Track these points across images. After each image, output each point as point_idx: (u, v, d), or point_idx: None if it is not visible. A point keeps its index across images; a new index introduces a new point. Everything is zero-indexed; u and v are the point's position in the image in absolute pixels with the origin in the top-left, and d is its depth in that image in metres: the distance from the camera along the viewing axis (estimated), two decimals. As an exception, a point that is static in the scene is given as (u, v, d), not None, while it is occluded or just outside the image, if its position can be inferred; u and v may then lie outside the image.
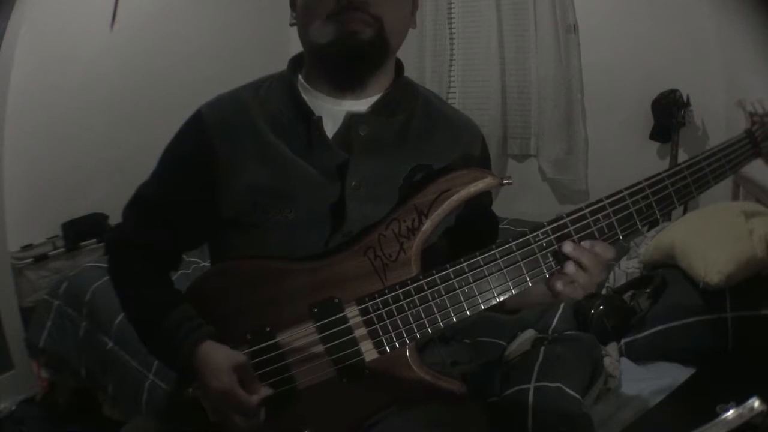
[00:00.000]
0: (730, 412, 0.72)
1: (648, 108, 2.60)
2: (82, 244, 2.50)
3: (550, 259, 0.87)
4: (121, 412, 1.95)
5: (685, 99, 2.49)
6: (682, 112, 2.48)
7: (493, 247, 0.87)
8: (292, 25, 0.95)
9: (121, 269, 1.00)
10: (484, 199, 1.03)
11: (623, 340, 1.54)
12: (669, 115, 2.50)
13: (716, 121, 2.50)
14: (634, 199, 0.88)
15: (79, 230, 2.51)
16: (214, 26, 2.99)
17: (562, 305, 1.76)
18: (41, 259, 2.41)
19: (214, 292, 0.92)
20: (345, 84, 0.91)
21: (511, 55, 3.01)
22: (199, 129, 0.93)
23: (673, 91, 2.51)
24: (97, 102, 2.56)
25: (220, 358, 0.85)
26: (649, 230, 2.10)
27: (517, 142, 3.10)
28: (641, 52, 2.63)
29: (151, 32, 2.73)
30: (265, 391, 0.85)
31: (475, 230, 1.00)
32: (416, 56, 3.12)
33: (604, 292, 1.84)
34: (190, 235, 0.99)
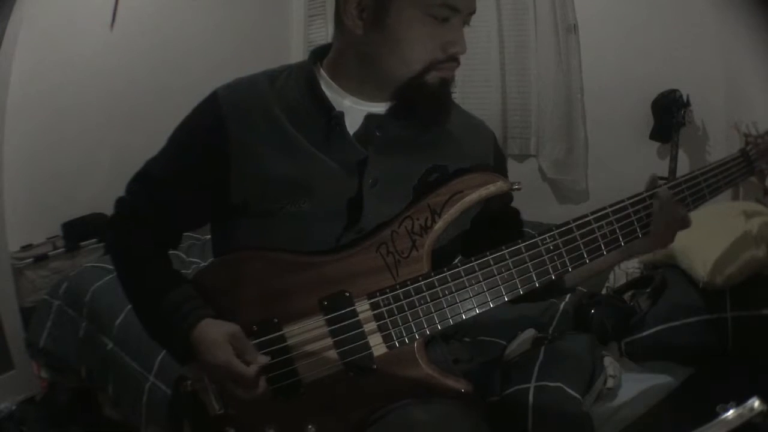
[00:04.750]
0: (730, 412, 0.72)
1: (648, 108, 2.60)
2: (82, 244, 2.51)
3: (557, 261, 0.90)
4: (122, 413, 1.95)
5: (685, 99, 2.49)
6: (682, 112, 2.48)
7: (503, 248, 0.89)
8: (355, 30, 0.88)
9: (122, 244, 0.99)
10: (504, 198, 1.04)
11: (623, 340, 1.54)
12: (669, 115, 2.50)
13: (716, 121, 2.50)
14: (635, 208, 0.94)
15: (79, 230, 2.51)
16: (213, 27, 2.99)
17: (561, 305, 1.76)
18: (41, 259, 2.41)
19: (222, 281, 0.91)
20: (422, 120, 0.93)
21: (511, 55, 3.01)
22: (214, 110, 0.92)
23: (673, 91, 2.51)
24: (97, 102, 2.56)
25: (214, 332, 0.85)
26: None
27: (517, 142, 3.10)
28: (641, 52, 2.63)
29: (151, 32, 2.73)
30: (263, 359, 0.85)
31: (498, 228, 1.02)
32: (416, 56, 3.12)
33: (604, 292, 1.84)
34: (193, 214, 0.98)
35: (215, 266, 0.94)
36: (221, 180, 0.90)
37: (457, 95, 3.24)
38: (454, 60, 0.88)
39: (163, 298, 0.89)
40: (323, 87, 0.93)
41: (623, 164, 2.64)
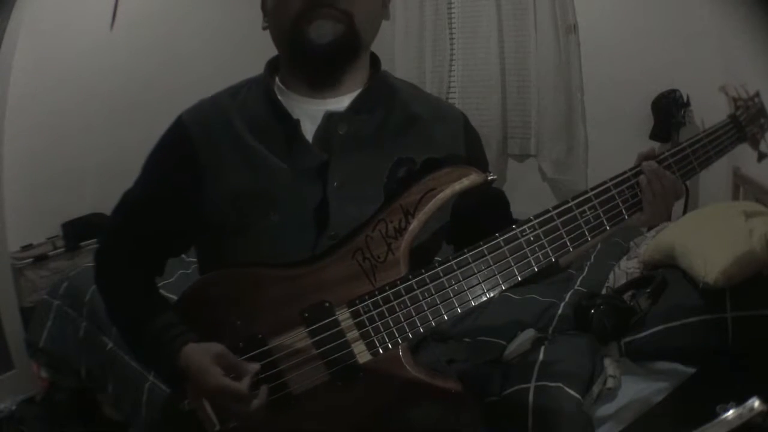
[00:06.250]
0: (730, 412, 0.72)
1: (648, 108, 2.60)
2: (82, 244, 2.51)
3: (538, 252, 0.87)
4: (122, 413, 1.95)
5: (685, 99, 2.49)
6: (682, 112, 2.48)
7: (481, 243, 0.87)
8: (264, 29, 0.94)
9: (107, 276, 1.01)
10: (483, 184, 0.99)
11: (623, 340, 1.54)
12: (669, 115, 2.51)
13: (716, 121, 2.50)
14: (619, 189, 0.90)
15: (79, 230, 2.51)
16: (213, 26, 2.99)
17: (562, 305, 1.76)
18: (41, 259, 2.41)
19: (205, 302, 0.91)
20: (319, 82, 0.91)
21: (511, 55, 3.01)
22: (180, 134, 0.93)
23: (673, 91, 2.51)
24: (97, 102, 2.56)
25: (198, 357, 0.85)
26: (648, 230, 2.10)
27: (517, 142, 3.10)
28: (641, 52, 2.63)
29: (151, 32, 2.73)
30: (253, 368, 0.84)
31: (484, 213, 0.99)
32: (416, 56, 3.11)
33: (604, 292, 1.84)
34: (174, 240, 0.99)
35: (197, 287, 0.93)
36: (196, 202, 0.91)
37: (458, 95, 3.24)
38: (321, 6, 0.83)
39: (145, 328, 0.90)
40: (279, 96, 0.93)
41: (623, 164, 2.62)
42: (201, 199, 0.90)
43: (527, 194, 2.89)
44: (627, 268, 1.92)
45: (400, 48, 3.03)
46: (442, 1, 3.08)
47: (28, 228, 2.42)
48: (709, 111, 2.51)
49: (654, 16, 2.59)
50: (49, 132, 2.44)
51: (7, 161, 2.31)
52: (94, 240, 2.50)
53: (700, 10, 2.45)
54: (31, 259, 2.39)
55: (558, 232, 0.88)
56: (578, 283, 1.90)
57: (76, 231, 2.51)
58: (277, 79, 0.95)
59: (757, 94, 1.00)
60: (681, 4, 2.52)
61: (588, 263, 2.02)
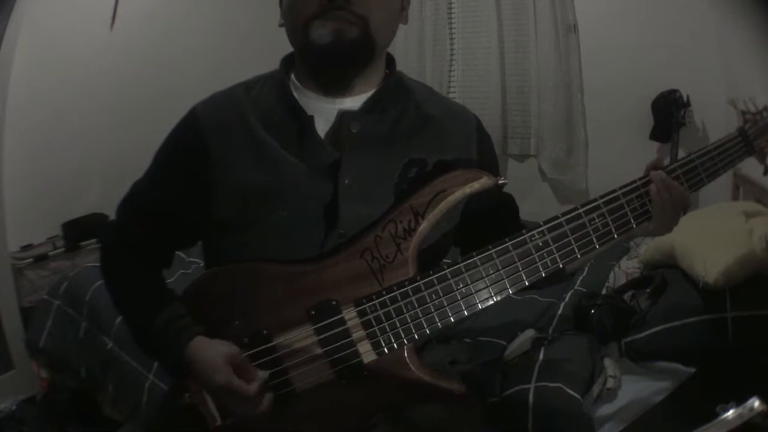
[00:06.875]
0: (730, 412, 0.72)
1: (648, 108, 2.60)
2: (82, 244, 2.51)
3: (546, 258, 0.88)
4: (121, 412, 1.95)
5: (685, 99, 2.49)
6: (682, 112, 2.48)
7: (490, 247, 0.88)
8: (281, 26, 0.94)
9: (113, 267, 1.00)
10: (493, 188, 1.00)
11: (623, 340, 1.54)
12: (669, 115, 2.50)
13: (716, 121, 2.50)
14: (628, 198, 0.91)
15: (79, 230, 2.51)
16: (213, 26, 2.99)
17: (562, 305, 1.76)
18: (41, 259, 2.41)
19: (210, 296, 0.91)
20: (331, 84, 0.91)
21: (511, 55, 3.01)
22: (193, 126, 0.93)
23: (673, 91, 2.51)
24: (97, 102, 2.56)
25: (211, 353, 0.85)
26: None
27: (517, 142, 3.10)
28: (641, 52, 2.63)
29: (151, 32, 2.73)
30: (263, 375, 0.85)
31: (493, 217, 1.00)
32: (416, 56, 3.11)
33: (604, 292, 1.84)
34: (182, 233, 0.98)
35: (202, 281, 0.93)
36: (205, 194, 0.91)
37: (458, 95, 3.23)
38: (336, 8, 0.84)
39: (153, 319, 0.90)
40: (294, 93, 0.93)
41: (623, 164, 2.62)
42: (211, 191, 0.90)
43: (527, 194, 2.89)
44: (627, 268, 1.93)
45: (400, 48, 3.03)
46: (442, 0, 3.08)
47: (28, 228, 2.42)
48: (709, 111, 2.52)
49: (654, 16, 2.59)
50: (50, 132, 2.43)
51: (7, 161, 2.30)
52: (94, 240, 2.50)
53: (701, 9, 2.45)
54: (31, 259, 2.39)
55: (566, 239, 0.88)
56: (578, 283, 1.90)
57: (76, 231, 2.51)
58: (292, 76, 0.95)
59: (766, 108, 1.01)
60: (681, 4, 2.52)
61: (588, 263, 2.02)
